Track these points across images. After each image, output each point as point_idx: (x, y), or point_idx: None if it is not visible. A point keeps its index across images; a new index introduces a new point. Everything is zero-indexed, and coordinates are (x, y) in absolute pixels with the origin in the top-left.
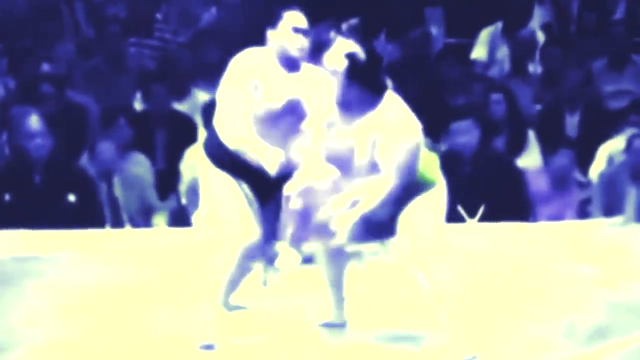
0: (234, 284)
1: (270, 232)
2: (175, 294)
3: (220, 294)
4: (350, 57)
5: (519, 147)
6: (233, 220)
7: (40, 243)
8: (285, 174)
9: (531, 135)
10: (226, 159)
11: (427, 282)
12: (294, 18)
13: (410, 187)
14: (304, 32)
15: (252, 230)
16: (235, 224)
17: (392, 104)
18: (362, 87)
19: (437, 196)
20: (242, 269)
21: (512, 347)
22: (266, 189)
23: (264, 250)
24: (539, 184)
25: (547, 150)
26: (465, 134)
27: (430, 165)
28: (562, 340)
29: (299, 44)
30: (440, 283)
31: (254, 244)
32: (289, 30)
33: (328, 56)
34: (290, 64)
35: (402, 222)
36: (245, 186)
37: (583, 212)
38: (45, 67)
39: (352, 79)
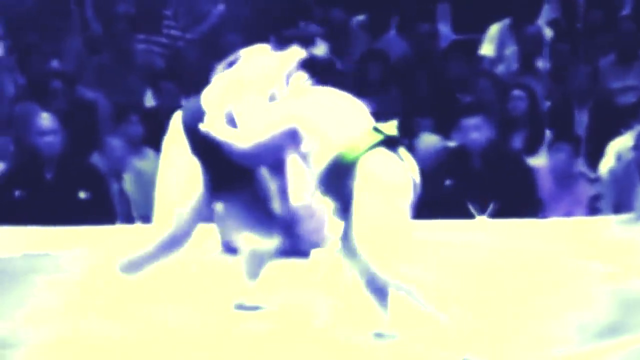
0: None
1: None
2: (186, 289)
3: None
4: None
5: (536, 145)
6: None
7: (52, 240)
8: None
9: (548, 133)
10: (201, 139)
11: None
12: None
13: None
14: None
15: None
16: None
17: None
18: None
19: (379, 186)
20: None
21: (521, 342)
22: (232, 176)
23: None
24: (549, 180)
25: (556, 147)
26: (475, 131)
27: (356, 144)
28: (571, 336)
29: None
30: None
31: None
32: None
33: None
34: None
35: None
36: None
37: (593, 209)
38: (55, 63)
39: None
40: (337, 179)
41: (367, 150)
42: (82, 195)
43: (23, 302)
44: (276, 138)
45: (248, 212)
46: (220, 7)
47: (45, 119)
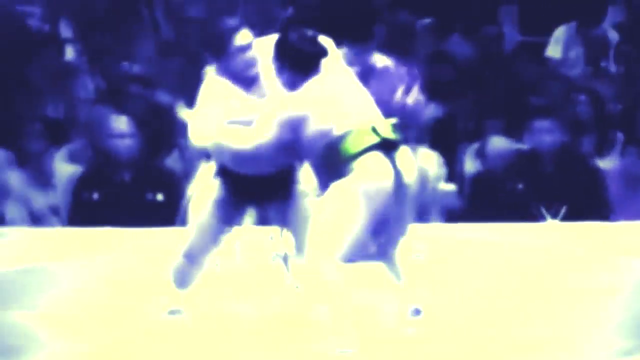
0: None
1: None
2: (254, 289)
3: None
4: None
5: (605, 148)
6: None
7: (127, 241)
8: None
9: (619, 136)
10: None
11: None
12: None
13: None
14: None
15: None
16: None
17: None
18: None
19: (357, 178)
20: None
21: (581, 346)
22: (259, 186)
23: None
24: (618, 183)
25: (626, 150)
26: (547, 134)
27: (356, 141)
28: (631, 341)
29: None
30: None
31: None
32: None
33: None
34: (244, 82)
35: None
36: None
37: None
38: (130, 67)
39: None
40: (331, 169)
41: (362, 152)
42: (158, 197)
43: (97, 301)
44: (292, 129)
45: (287, 216)
46: (290, 12)
47: (122, 122)
